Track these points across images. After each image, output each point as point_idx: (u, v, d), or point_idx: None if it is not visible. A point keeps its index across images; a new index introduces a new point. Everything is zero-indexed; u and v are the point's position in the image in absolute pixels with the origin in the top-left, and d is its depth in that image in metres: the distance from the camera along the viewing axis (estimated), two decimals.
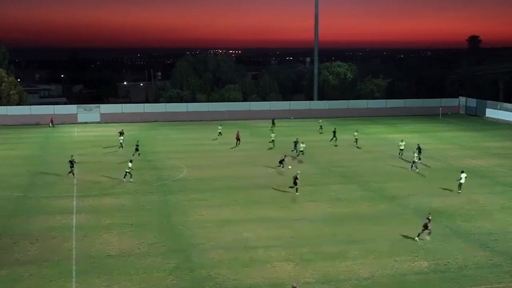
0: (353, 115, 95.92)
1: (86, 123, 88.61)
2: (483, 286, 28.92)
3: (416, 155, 54.72)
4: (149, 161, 58.47)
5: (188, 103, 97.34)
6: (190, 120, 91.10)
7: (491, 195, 46.07)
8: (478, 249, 34.11)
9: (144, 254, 33.00)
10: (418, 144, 59.67)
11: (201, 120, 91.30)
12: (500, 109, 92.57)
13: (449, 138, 69.02)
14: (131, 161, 50.25)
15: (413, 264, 31.65)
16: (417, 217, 39.93)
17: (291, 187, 45.92)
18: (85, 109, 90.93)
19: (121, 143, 63.89)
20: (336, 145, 67.64)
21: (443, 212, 41.12)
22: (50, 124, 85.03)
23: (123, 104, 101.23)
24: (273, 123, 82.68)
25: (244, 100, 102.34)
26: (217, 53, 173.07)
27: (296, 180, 45.46)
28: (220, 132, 73.18)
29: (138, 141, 60.69)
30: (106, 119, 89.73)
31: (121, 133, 66.54)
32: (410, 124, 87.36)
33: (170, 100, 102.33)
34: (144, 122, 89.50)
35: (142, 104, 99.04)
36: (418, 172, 52.98)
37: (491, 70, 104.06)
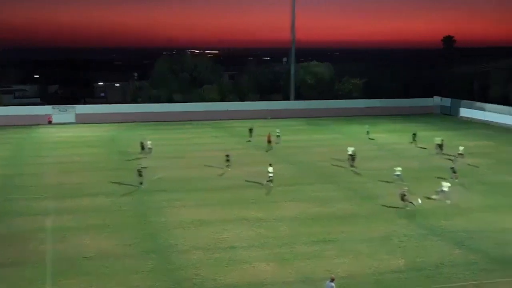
0: (330, 115, 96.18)
1: (61, 124, 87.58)
2: (459, 283, 29.21)
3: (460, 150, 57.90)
4: (126, 162, 58.11)
5: (165, 104, 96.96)
6: (167, 121, 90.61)
7: (468, 193, 46.53)
8: (455, 247, 34.48)
9: (122, 256, 32.82)
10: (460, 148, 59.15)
11: (178, 121, 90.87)
12: (474, 109, 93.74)
13: (425, 137, 69.44)
14: (270, 165, 48.80)
15: (391, 263, 31.89)
16: (396, 216, 40.29)
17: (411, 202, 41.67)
18: (60, 110, 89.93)
19: (150, 148, 62.28)
20: (423, 148, 66.36)
21: (420, 211, 41.39)
22: (49, 124, 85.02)
23: (100, 105, 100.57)
24: (250, 132, 72.93)
25: (222, 100, 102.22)
26: (194, 53, 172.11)
27: (404, 197, 41.33)
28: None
29: (228, 155, 56.11)
30: (82, 120, 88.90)
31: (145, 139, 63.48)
32: (387, 123, 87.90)
33: (147, 100, 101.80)
34: (120, 122, 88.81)
35: (118, 105, 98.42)
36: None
37: (466, 70, 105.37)
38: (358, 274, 30.34)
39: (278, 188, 47.41)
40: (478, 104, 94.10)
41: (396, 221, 39.22)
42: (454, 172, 50.35)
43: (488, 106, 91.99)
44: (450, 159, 57.88)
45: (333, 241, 35.35)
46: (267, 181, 47.99)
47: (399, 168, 49.40)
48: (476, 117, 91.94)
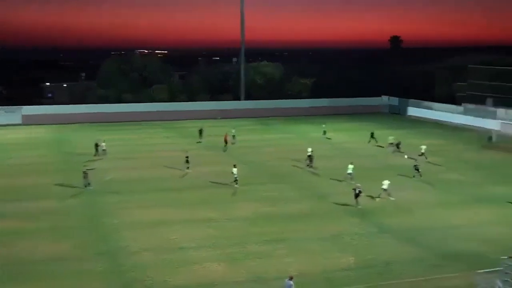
0: (279, 114, 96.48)
1: (7, 125, 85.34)
2: (408, 279, 29.48)
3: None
4: (77, 163, 56.96)
5: (115, 104, 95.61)
6: (117, 121, 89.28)
7: (419, 191, 47.27)
8: (406, 244, 34.92)
9: (71, 258, 32.13)
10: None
11: (129, 121, 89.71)
12: (422, 108, 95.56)
13: (378, 136, 69.76)
14: (234, 166, 48.24)
15: (341, 261, 32.09)
16: (348, 214, 40.64)
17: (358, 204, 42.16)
18: (5, 111, 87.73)
19: (104, 149, 60.89)
20: (381, 146, 67.03)
21: (372, 209, 41.80)
22: None
23: (47, 106, 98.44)
24: (200, 133, 71.99)
25: (172, 100, 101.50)
26: (143, 53, 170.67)
27: (360, 194, 42.03)
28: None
29: (187, 156, 54.44)
30: (29, 121, 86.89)
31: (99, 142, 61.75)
32: (337, 123, 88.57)
33: (96, 100, 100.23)
34: (69, 123, 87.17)
35: (66, 105, 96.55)
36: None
37: (412, 69, 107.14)
38: (308, 273, 30.42)
39: (231, 189, 47.27)
40: (426, 103, 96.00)
41: (348, 220, 39.55)
42: (417, 170, 51.17)
43: (436, 105, 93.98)
44: (407, 157, 58.80)
45: (285, 240, 35.39)
46: (233, 181, 47.82)
47: (351, 166, 49.85)
48: (424, 116, 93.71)
